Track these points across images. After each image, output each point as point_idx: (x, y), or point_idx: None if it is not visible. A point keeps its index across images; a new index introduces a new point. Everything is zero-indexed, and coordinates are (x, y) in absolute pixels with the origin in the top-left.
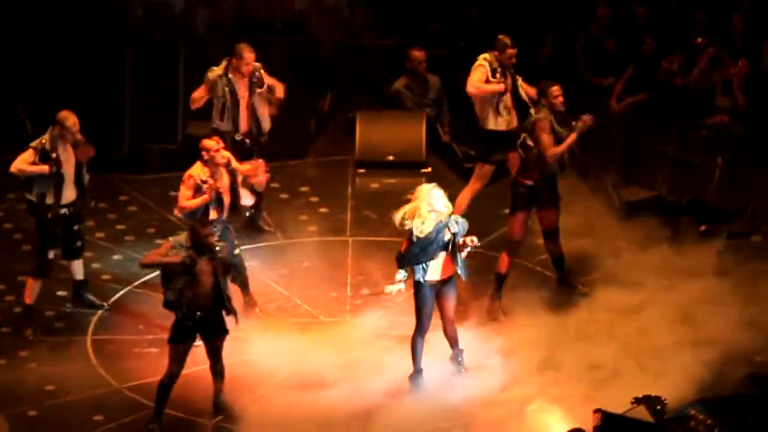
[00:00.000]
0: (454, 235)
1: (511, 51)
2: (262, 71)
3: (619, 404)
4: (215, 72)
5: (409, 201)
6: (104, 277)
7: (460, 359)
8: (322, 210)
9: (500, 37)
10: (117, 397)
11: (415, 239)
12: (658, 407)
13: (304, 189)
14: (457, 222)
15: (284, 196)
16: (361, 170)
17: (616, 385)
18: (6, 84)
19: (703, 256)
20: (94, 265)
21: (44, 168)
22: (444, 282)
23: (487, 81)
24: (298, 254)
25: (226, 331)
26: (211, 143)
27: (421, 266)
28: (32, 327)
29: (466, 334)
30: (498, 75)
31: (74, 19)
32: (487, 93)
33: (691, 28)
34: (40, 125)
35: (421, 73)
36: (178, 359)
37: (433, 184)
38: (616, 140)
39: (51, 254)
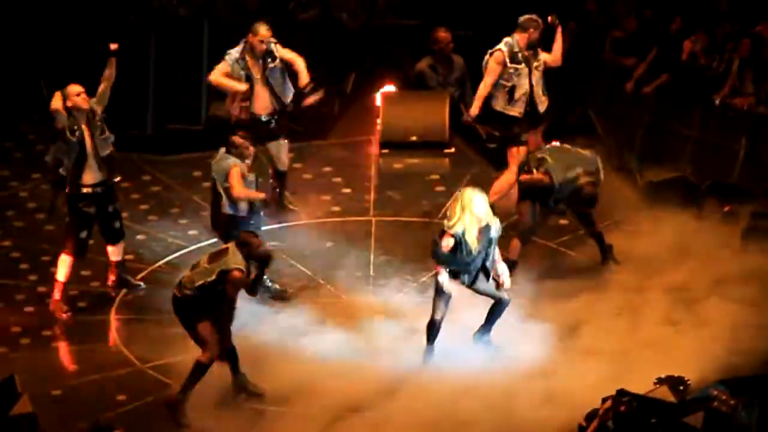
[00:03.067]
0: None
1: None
2: (275, 45)
3: (641, 384)
4: (232, 55)
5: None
6: (127, 256)
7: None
8: (346, 190)
9: (526, 17)
10: (140, 377)
11: (465, 248)
12: (681, 387)
13: (327, 169)
14: (496, 228)
15: (307, 176)
16: (385, 150)
17: (637, 365)
18: (30, 63)
19: (726, 236)
20: None
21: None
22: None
23: (505, 66)
24: (322, 234)
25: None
26: (239, 140)
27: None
28: (63, 303)
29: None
30: (520, 58)
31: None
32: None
33: (717, 8)
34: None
35: (447, 54)
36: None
37: (476, 190)
38: (639, 121)
39: (83, 234)
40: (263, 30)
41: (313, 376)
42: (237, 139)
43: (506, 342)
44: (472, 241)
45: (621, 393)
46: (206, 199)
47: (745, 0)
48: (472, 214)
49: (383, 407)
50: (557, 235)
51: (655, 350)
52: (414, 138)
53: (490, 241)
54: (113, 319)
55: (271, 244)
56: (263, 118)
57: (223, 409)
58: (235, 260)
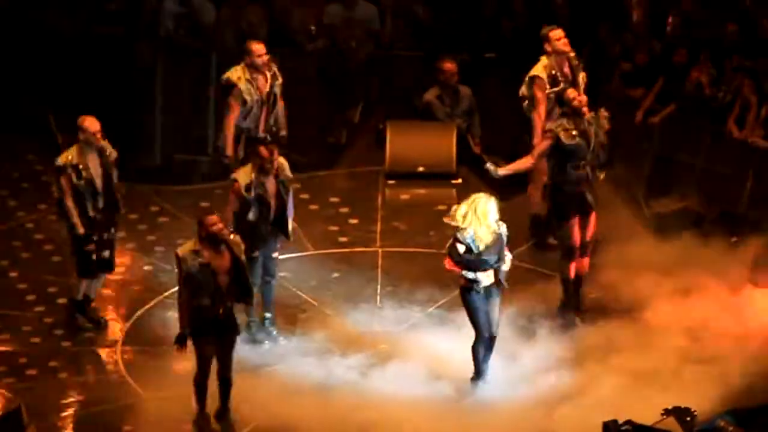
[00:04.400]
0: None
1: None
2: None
3: (648, 415)
4: (239, 78)
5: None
6: (135, 287)
7: (481, 377)
8: (352, 221)
9: (544, 28)
10: (147, 408)
11: (475, 250)
12: (688, 419)
13: (334, 200)
14: (504, 230)
15: (314, 207)
16: (391, 181)
17: (644, 396)
18: (37, 95)
19: (734, 267)
20: (125, 275)
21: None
22: (489, 289)
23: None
24: (328, 265)
25: (237, 331)
26: (265, 152)
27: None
28: (82, 316)
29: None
30: (560, 77)
31: (105, 30)
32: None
33: (722, 38)
34: (71, 137)
35: (453, 85)
36: (206, 357)
37: (489, 198)
38: (646, 152)
39: (93, 256)
40: (255, 46)
41: (323, 407)
42: (262, 150)
43: (512, 371)
44: (486, 245)
45: (627, 423)
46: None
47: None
48: (487, 222)
49: None
50: None
51: (662, 380)
52: (421, 169)
53: (502, 244)
54: (119, 350)
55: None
56: (260, 135)
57: None
58: (185, 245)
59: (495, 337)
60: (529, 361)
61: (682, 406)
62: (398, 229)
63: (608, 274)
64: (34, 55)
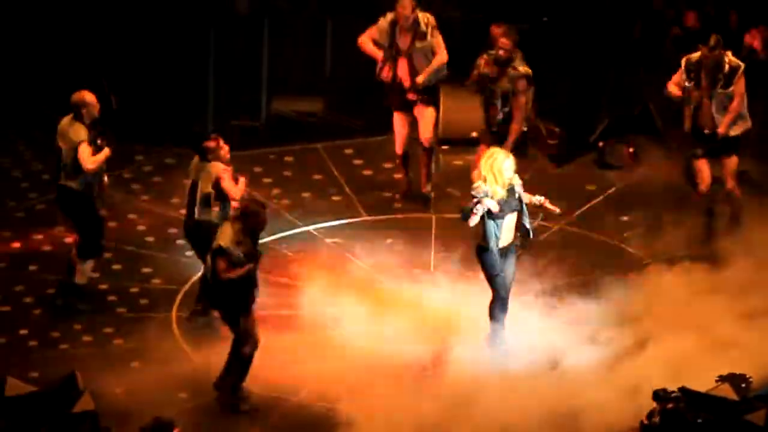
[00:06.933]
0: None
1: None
2: (430, 29)
3: (702, 382)
4: (386, 18)
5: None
6: (188, 253)
7: (497, 340)
8: None
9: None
10: (201, 375)
11: (490, 204)
12: (743, 385)
13: (387, 166)
14: (519, 183)
15: (368, 172)
16: (445, 147)
17: (698, 362)
18: (91, 60)
19: None
20: (179, 242)
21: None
22: (507, 248)
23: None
24: (382, 231)
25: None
26: (212, 143)
27: (494, 233)
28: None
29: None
30: (693, 76)
31: None
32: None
33: None
34: (124, 102)
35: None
36: (255, 328)
37: (508, 155)
38: None
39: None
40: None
41: (375, 376)
42: (209, 144)
43: (565, 336)
44: (501, 201)
45: (679, 390)
46: (266, 195)
47: None
48: (503, 180)
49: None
50: (618, 231)
51: (718, 347)
52: (475, 134)
53: (518, 199)
54: (174, 316)
55: (331, 241)
56: (403, 87)
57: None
58: (223, 236)
59: (507, 297)
60: (590, 318)
61: (737, 373)
62: (452, 195)
63: (649, 228)
64: (85, 22)
